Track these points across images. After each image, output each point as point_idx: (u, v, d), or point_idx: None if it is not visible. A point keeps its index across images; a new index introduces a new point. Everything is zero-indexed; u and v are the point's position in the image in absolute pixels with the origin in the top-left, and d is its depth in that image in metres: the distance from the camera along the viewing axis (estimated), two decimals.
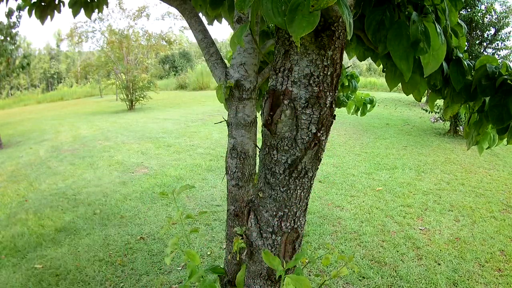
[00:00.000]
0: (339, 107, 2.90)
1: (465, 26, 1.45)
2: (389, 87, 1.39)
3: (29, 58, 9.64)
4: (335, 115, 1.06)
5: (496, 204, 4.31)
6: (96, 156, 6.84)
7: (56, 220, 4.01)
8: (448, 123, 8.67)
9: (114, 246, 3.42)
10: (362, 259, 3.14)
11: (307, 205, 1.16)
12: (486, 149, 1.72)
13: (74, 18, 2.11)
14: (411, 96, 1.45)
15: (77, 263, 3.13)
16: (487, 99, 1.42)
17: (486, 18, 9.61)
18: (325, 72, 0.97)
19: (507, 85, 1.31)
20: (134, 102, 14.96)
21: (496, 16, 9.80)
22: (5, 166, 6.57)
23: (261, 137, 1.13)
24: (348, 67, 2.44)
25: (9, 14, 8.31)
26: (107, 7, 2.19)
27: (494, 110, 1.34)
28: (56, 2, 2.12)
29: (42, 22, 2.13)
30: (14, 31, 8.73)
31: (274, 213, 1.11)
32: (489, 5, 9.53)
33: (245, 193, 1.58)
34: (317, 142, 1.03)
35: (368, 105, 2.94)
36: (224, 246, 2.27)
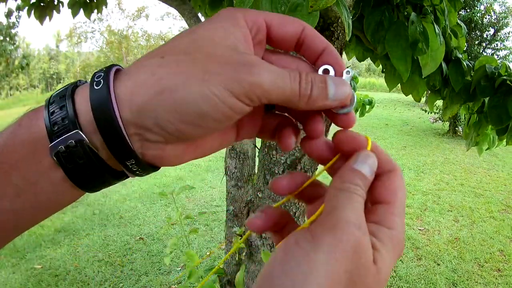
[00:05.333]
0: None
1: (465, 27, 1.46)
2: (388, 87, 1.39)
3: (28, 59, 9.63)
4: None
5: (496, 204, 4.32)
6: None
7: (55, 221, 4.01)
8: (447, 124, 8.68)
9: (114, 246, 3.42)
10: None
11: None
12: (485, 150, 1.72)
13: (74, 18, 2.11)
14: (410, 96, 1.45)
15: (77, 263, 3.13)
16: (487, 99, 1.42)
17: (485, 18, 9.63)
18: None
19: (506, 86, 1.31)
20: None
21: (495, 17, 9.83)
22: None
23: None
24: (347, 67, 2.44)
25: (8, 14, 8.31)
26: (106, 7, 2.19)
27: (493, 111, 1.34)
28: (55, 3, 2.12)
29: (41, 22, 2.13)
30: (13, 31, 8.72)
31: None
32: (488, 5, 9.55)
33: (244, 193, 1.58)
34: None
35: (367, 106, 2.94)
36: (224, 247, 2.26)
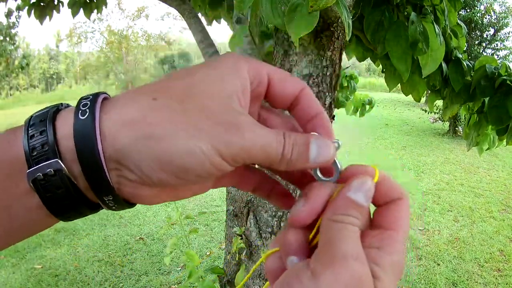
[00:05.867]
0: (338, 108, 2.90)
1: (465, 27, 1.46)
2: (388, 87, 1.39)
3: (28, 59, 9.64)
4: (334, 116, 1.06)
5: (495, 204, 4.31)
6: None
7: None
8: (447, 124, 8.68)
9: (114, 246, 3.42)
10: None
11: None
12: (485, 150, 1.72)
13: (73, 18, 2.11)
14: (410, 96, 1.45)
15: (77, 263, 3.13)
16: (487, 99, 1.42)
17: (485, 18, 9.63)
18: (324, 72, 0.97)
19: (506, 86, 1.31)
20: None
21: (495, 17, 9.83)
22: None
23: None
24: (347, 67, 2.44)
25: (8, 14, 8.31)
26: (106, 7, 2.19)
27: (493, 111, 1.34)
28: (55, 2, 2.12)
29: (41, 22, 2.13)
30: (13, 31, 8.72)
31: (274, 213, 1.11)
32: (488, 5, 9.55)
33: (244, 193, 1.58)
34: None
35: (367, 105, 2.94)
36: (224, 246, 2.26)
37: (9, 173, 0.22)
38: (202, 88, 0.23)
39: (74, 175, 0.22)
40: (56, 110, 0.24)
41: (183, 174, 0.22)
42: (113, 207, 0.24)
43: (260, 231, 1.15)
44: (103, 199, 0.23)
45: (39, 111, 0.24)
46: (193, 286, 2.02)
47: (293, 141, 0.24)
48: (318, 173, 0.27)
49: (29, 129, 0.23)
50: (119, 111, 0.23)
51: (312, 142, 0.25)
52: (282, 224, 1.12)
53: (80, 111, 0.22)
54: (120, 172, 0.23)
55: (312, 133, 0.26)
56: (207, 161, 0.22)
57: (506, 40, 10.21)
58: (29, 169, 0.22)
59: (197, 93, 0.23)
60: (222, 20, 1.94)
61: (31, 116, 0.24)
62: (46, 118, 0.23)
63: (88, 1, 2.11)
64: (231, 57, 0.25)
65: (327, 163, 0.25)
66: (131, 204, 0.25)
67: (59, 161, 0.22)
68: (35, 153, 0.22)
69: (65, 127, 0.23)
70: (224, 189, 1.95)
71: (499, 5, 10.07)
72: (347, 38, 0.79)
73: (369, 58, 1.53)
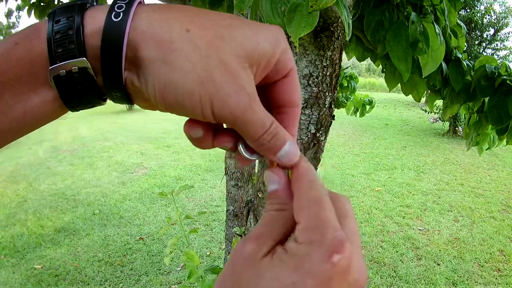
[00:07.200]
0: (338, 108, 2.90)
1: (465, 27, 1.46)
2: (388, 87, 1.39)
3: None
4: (334, 116, 1.06)
5: (495, 204, 4.32)
6: (96, 157, 6.83)
7: (56, 221, 4.01)
8: (447, 124, 8.68)
9: (114, 246, 3.42)
10: None
11: None
12: (485, 150, 1.72)
13: None
14: (410, 96, 1.45)
15: (76, 263, 3.13)
16: (487, 99, 1.42)
17: (485, 18, 9.63)
18: (324, 72, 0.97)
19: (506, 86, 1.31)
20: None
21: (495, 17, 9.84)
22: (4, 167, 6.55)
23: None
24: (347, 67, 2.44)
25: (9, 14, 8.32)
26: None
27: (493, 111, 1.34)
28: (56, 2, 2.12)
29: None
30: (13, 31, 8.72)
31: None
32: (488, 5, 9.55)
33: (244, 193, 1.58)
34: (316, 142, 1.03)
35: (367, 106, 2.94)
36: (224, 246, 2.27)
37: (29, 69, 0.23)
38: (233, 44, 0.24)
39: (94, 72, 0.23)
40: (84, 7, 0.24)
41: (176, 106, 0.24)
42: (118, 101, 0.26)
43: None
44: (112, 94, 0.24)
45: (63, 5, 0.24)
46: (193, 286, 2.02)
47: (275, 132, 0.26)
48: (244, 151, 0.28)
49: (54, 25, 0.23)
50: (150, 26, 0.23)
51: (288, 142, 0.27)
52: None
53: (114, 13, 0.23)
54: (130, 74, 0.24)
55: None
56: (199, 108, 0.23)
57: (506, 40, 10.22)
58: (52, 65, 0.22)
59: (226, 46, 0.23)
60: None
61: (54, 11, 0.24)
62: (74, 15, 0.23)
63: None
64: (276, 30, 0.26)
65: (286, 164, 0.27)
66: (130, 101, 0.26)
67: (86, 60, 0.23)
68: (60, 50, 0.22)
69: (93, 25, 0.23)
70: (224, 189, 1.95)
71: (499, 5, 10.08)
72: (347, 38, 0.79)
73: (369, 58, 1.53)
